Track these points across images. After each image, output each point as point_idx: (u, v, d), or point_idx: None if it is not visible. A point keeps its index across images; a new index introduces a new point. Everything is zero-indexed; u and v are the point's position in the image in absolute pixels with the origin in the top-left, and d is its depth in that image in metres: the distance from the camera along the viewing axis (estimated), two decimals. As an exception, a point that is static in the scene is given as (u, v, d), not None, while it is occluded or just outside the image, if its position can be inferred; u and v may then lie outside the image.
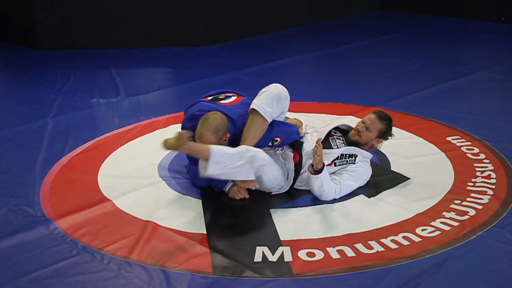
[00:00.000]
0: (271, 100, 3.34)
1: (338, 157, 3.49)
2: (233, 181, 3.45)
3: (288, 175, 3.49)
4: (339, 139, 3.61)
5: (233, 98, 3.57)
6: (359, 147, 3.56)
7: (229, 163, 3.16)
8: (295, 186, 3.51)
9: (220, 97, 3.61)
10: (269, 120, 3.35)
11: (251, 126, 3.33)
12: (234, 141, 3.38)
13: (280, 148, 3.58)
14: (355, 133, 3.58)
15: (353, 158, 3.52)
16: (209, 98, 3.62)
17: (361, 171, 3.50)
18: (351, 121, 4.01)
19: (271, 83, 3.50)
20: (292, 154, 3.50)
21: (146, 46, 7.16)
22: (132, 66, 6.59)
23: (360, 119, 3.68)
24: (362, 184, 3.50)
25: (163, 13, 7.11)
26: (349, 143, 3.58)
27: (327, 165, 3.40)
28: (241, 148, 3.25)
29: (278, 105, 3.37)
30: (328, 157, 3.45)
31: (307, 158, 3.46)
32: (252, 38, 7.63)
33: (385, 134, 3.60)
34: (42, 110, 5.06)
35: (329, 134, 3.60)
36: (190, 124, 3.45)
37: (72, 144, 4.29)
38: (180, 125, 3.63)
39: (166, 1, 7.07)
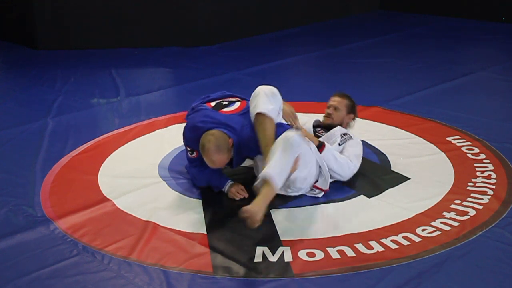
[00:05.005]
0: (267, 99, 3.37)
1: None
2: (231, 180, 3.47)
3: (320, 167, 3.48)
4: (322, 134, 3.81)
5: (237, 105, 3.54)
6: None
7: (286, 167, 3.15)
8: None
9: (224, 103, 3.56)
10: (274, 118, 3.36)
11: (265, 129, 3.30)
12: (240, 148, 3.39)
13: None
14: (327, 118, 3.89)
15: (348, 135, 3.74)
16: (212, 104, 3.57)
17: (358, 140, 3.77)
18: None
19: (268, 84, 3.50)
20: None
21: (146, 46, 7.16)
22: (132, 66, 6.59)
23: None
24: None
25: (163, 13, 7.11)
26: (327, 128, 3.83)
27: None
28: (274, 149, 3.19)
29: (275, 99, 3.40)
30: (331, 142, 3.65)
31: None
32: (252, 38, 7.63)
33: (353, 107, 3.92)
34: (42, 110, 5.06)
35: (314, 134, 3.81)
36: (192, 135, 3.43)
37: (72, 144, 4.29)
38: (182, 133, 3.58)
39: (166, 1, 7.07)
